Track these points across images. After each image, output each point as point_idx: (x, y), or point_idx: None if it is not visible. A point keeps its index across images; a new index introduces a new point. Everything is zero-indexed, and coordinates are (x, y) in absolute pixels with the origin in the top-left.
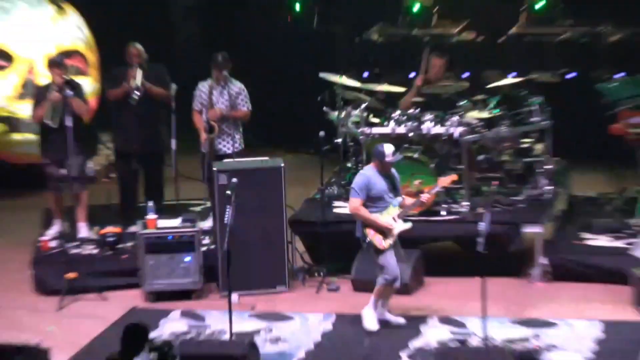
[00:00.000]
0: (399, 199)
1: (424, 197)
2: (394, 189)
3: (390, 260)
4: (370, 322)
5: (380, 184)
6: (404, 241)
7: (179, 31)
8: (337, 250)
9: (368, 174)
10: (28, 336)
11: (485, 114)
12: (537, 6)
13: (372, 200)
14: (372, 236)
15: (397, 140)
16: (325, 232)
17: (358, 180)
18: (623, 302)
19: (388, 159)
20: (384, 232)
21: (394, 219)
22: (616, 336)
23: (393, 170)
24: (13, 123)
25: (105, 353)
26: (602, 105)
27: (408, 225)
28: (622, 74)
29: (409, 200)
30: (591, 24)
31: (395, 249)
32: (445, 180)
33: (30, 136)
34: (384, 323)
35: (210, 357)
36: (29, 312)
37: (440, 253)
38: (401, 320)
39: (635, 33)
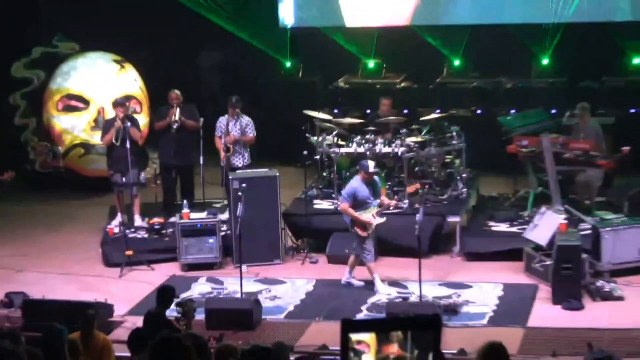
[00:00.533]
0: (378, 201)
1: (392, 202)
2: (375, 193)
3: (368, 245)
4: (381, 288)
5: (364, 191)
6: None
7: (205, 81)
8: (316, 234)
9: (355, 184)
10: (98, 295)
11: (419, 139)
12: (456, 63)
13: (358, 203)
14: (356, 227)
15: (359, 157)
16: (308, 221)
17: (347, 189)
18: (518, 270)
19: (370, 170)
20: (365, 225)
21: (373, 216)
22: (512, 293)
23: (376, 178)
24: (87, 147)
25: (154, 307)
26: (502, 132)
27: (383, 219)
28: (514, 110)
29: (385, 201)
30: (492, 75)
31: (373, 235)
32: (411, 188)
33: (99, 157)
34: (348, 285)
35: (227, 310)
36: (99, 279)
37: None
38: (361, 284)
39: (524, 82)
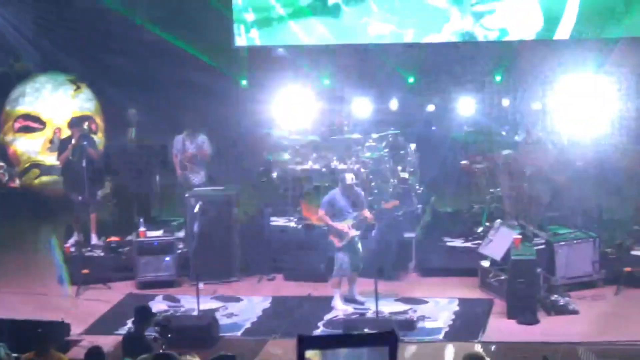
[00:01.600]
0: (356, 214)
1: (368, 215)
2: (355, 205)
3: (340, 255)
4: (339, 304)
5: (341, 202)
6: None
7: (162, 100)
8: (273, 251)
9: (333, 193)
10: (54, 314)
11: (374, 155)
12: (410, 80)
13: (336, 213)
14: (332, 237)
15: (315, 174)
16: (265, 238)
17: (325, 197)
18: (473, 285)
19: (347, 182)
20: (341, 234)
21: (348, 227)
22: (468, 308)
23: (357, 190)
24: (43, 168)
25: (110, 326)
26: (456, 148)
27: (358, 232)
28: (466, 127)
29: (364, 214)
30: (445, 94)
31: (350, 247)
32: (389, 205)
33: (55, 177)
34: (352, 300)
35: (185, 327)
36: (55, 297)
37: None
38: (363, 300)
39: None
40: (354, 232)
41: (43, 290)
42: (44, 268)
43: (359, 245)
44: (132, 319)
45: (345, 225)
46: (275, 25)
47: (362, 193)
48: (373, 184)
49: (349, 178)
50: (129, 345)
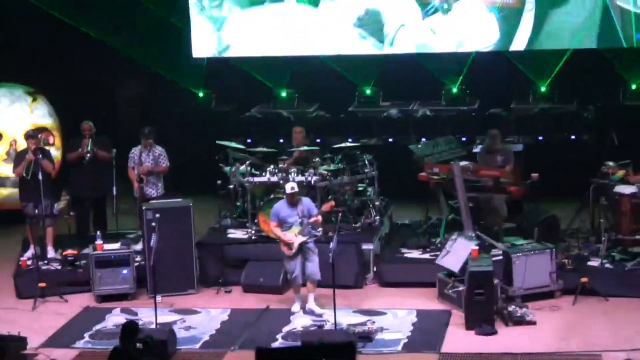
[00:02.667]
0: (300, 220)
1: (312, 220)
2: (302, 214)
3: (292, 264)
4: (317, 310)
5: (285, 211)
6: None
7: (119, 112)
8: (230, 263)
9: (278, 205)
10: (11, 328)
11: (332, 167)
12: (367, 92)
13: (282, 223)
14: (282, 247)
15: (272, 186)
16: (222, 251)
17: (272, 210)
18: (431, 296)
19: (287, 191)
20: (289, 244)
21: (295, 235)
22: (426, 320)
23: (305, 199)
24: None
25: (67, 339)
26: (413, 160)
27: (306, 237)
28: (424, 138)
29: (311, 219)
30: (402, 104)
31: (302, 255)
32: (326, 206)
33: (11, 189)
34: (311, 312)
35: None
36: (12, 311)
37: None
38: (322, 312)
39: (433, 110)
40: (301, 239)
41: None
42: (1, 281)
43: (315, 255)
44: (120, 335)
45: (292, 235)
46: (233, 36)
47: (309, 200)
48: (330, 196)
49: (289, 187)
50: None
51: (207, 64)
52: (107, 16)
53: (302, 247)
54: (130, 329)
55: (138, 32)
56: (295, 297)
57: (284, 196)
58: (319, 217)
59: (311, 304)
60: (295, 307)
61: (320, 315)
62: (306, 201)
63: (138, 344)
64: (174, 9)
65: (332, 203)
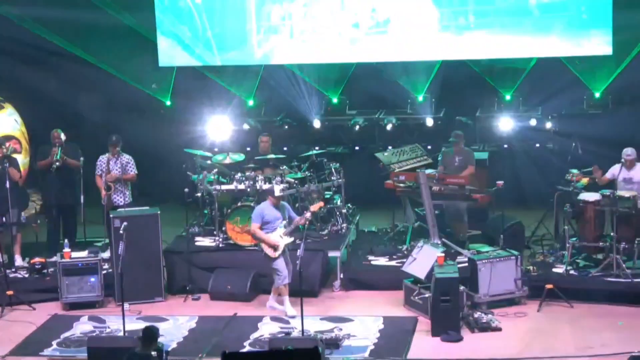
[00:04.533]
0: (284, 222)
1: (300, 220)
2: (283, 211)
3: (280, 264)
4: (289, 310)
5: (271, 213)
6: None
7: (87, 120)
8: (198, 271)
9: (262, 206)
10: None
11: (299, 175)
12: (334, 101)
13: (266, 224)
14: (266, 249)
15: (239, 194)
16: (189, 258)
17: (255, 211)
18: (398, 303)
19: (276, 194)
20: (274, 246)
21: (280, 236)
22: (392, 326)
23: (284, 203)
24: None
25: (35, 347)
26: (379, 168)
27: (291, 239)
28: (390, 147)
29: (295, 221)
30: (369, 113)
31: (284, 256)
32: (315, 207)
33: None
34: (272, 309)
35: (110, 349)
36: None
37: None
38: (282, 308)
39: (399, 118)
40: (287, 240)
41: None
42: None
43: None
44: (140, 338)
45: (277, 237)
46: (201, 45)
47: (286, 203)
48: (297, 204)
49: (277, 189)
50: None
51: (176, 73)
52: (72, 26)
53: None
54: (151, 333)
55: (106, 40)
56: (285, 299)
57: (269, 198)
58: (308, 216)
59: (287, 306)
60: (291, 311)
61: (293, 318)
62: (286, 205)
63: (153, 352)
64: (141, 19)
65: (321, 204)
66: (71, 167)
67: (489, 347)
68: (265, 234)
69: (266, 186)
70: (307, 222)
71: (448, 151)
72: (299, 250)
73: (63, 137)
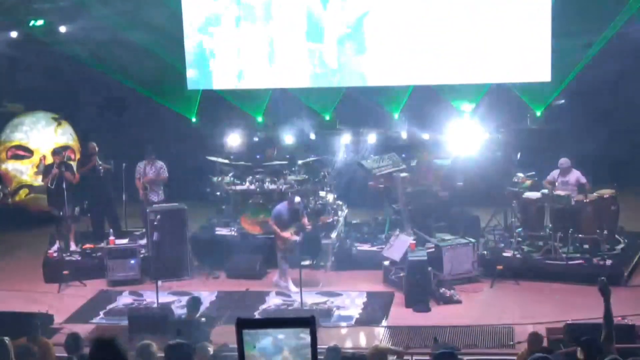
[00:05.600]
0: (297, 223)
1: (309, 226)
2: (296, 217)
3: (283, 255)
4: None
5: (286, 215)
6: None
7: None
8: (218, 255)
9: (280, 208)
10: (40, 307)
11: (298, 177)
12: (327, 118)
13: (282, 224)
14: (278, 240)
15: (251, 193)
16: (211, 245)
17: (274, 211)
18: (378, 280)
19: (295, 201)
20: (284, 240)
21: (290, 233)
22: (374, 300)
23: (301, 206)
24: (31, 188)
25: (86, 316)
26: (364, 172)
27: (299, 237)
28: (372, 155)
29: (305, 224)
30: (355, 128)
31: (290, 248)
32: (325, 219)
33: (41, 195)
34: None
35: (147, 317)
36: (41, 293)
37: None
38: (285, 284)
39: (382, 133)
40: (295, 238)
41: (31, 287)
42: (32, 270)
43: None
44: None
45: (288, 233)
46: (220, 70)
47: (302, 208)
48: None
49: (297, 200)
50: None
51: (201, 95)
52: (116, 57)
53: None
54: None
55: (142, 68)
56: (285, 275)
57: (287, 202)
58: (309, 226)
59: (290, 284)
60: (293, 287)
61: (289, 296)
62: (301, 208)
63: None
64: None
65: (329, 218)
66: (110, 171)
67: (451, 316)
68: (277, 229)
69: (272, 187)
70: (309, 228)
71: (420, 159)
72: (297, 238)
73: (97, 148)
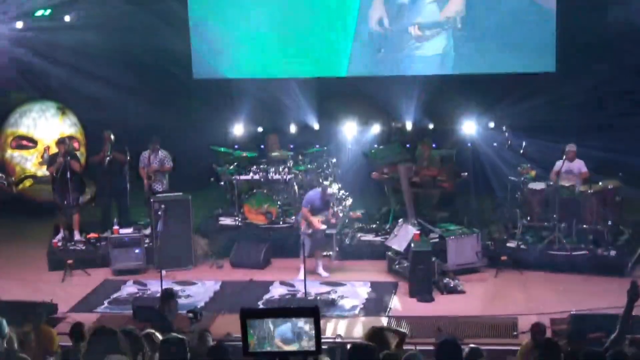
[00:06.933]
0: (326, 212)
1: (333, 218)
2: (327, 206)
3: (307, 241)
4: (323, 273)
5: (318, 203)
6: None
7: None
8: (222, 244)
9: (313, 195)
10: (44, 296)
11: (302, 167)
12: (331, 107)
13: (314, 210)
14: (302, 225)
15: (254, 183)
16: (215, 234)
17: (307, 197)
18: (382, 270)
19: (327, 192)
20: (314, 225)
21: (319, 221)
22: (377, 289)
23: (333, 197)
24: (36, 178)
25: (90, 305)
26: (368, 162)
27: (325, 226)
28: (376, 145)
29: (330, 215)
30: (360, 119)
31: (317, 236)
32: (354, 214)
33: (45, 185)
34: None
35: (151, 307)
36: (45, 282)
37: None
38: (325, 274)
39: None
40: (322, 226)
41: (35, 276)
42: (36, 259)
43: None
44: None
45: (317, 221)
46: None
47: (334, 200)
48: (301, 191)
49: (329, 190)
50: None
51: (207, 84)
52: (124, 49)
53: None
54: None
55: (145, 57)
56: (318, 262)
57: (321, 192)
58: (332, 218)
59: (320, 269)
60: (324, 273)
61: (326, 277)
62: (333, 199)
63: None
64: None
65: (359, 215)
66: (119, 161)
67: (455, 306)
68: (310, 215)
69: (276, 177)
70: (334, 222)
71: (421, 150)
72: (302, 227)
73: (112, 137)
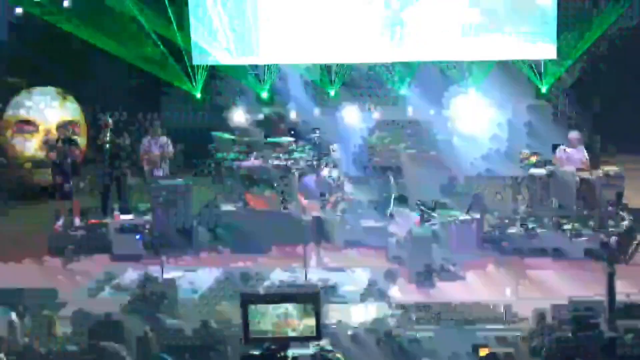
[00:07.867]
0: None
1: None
2: (323, 191)
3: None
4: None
5: (310, 185)
6: None
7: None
8: (222, 230)
9: (307, 181)
10: (45, 282)
11: (304, 153)
12: (332, 94)
13: (305, 193)
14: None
15: (256, 169)
16: (216, 220)
17: (301, 183)
18: (382, 257)
19: (321, 174)
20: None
21: (312, 206)
22: (379, 276)
23: (329, 180)
24: (36, 162)
25: (92, 291)
26: (369, 148)
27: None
28: (377, 131)
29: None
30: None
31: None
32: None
33: (46, 170)
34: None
35: (151, 292)
36: (45, 267)
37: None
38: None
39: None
40: (313, 212)
41: (35, 262)
42: (37, 245)
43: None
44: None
45: (307, 202)
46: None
47: (332, 183)
48: (302, 177)
49: (323, 172)
50: None
51: (205, 70)
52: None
53: None
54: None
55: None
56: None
57: (315, 175)
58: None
59: (320, 256)
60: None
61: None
62: (330, 182)
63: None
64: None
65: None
66: (120, 145)
67: (455, 293)
68: (303, 198)
69: (277, 162)
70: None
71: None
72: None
73: (111, 121)
